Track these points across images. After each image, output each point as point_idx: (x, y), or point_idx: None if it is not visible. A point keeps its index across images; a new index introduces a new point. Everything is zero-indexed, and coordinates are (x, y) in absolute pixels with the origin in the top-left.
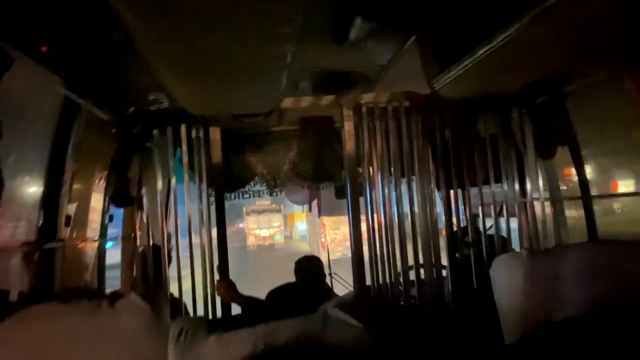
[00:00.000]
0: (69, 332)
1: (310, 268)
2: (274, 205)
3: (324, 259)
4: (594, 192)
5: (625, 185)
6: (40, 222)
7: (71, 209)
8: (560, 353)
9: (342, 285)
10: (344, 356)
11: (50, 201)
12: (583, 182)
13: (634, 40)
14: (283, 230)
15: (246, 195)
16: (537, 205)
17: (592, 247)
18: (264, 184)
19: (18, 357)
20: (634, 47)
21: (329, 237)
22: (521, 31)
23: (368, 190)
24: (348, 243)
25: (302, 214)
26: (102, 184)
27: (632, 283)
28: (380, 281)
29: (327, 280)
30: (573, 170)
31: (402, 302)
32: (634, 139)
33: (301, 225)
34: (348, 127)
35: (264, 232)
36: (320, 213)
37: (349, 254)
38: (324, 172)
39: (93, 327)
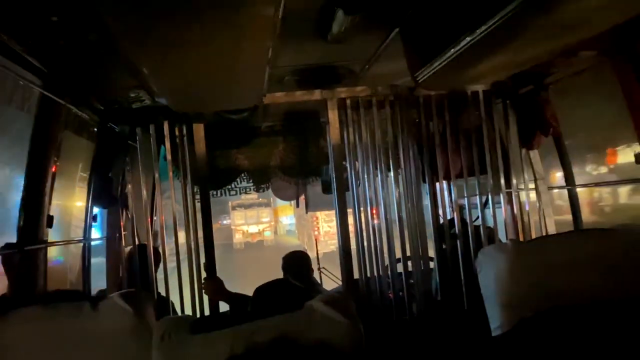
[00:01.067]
0: (50, 336)
1: (297, 263)
2: (262, 199)
3: (316, 253)
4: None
5: None
6: (21, 224)
7: (53, 209)
8: (546, 344)
9: (331, 279)
10: (328, 354)
11: (30, 202)
12: (568, 172)
13: (616, 29)
14: (273, 226)
15: (232, 192)
16: (523, 196)
17: (577, 237)
18: (251, 181)
19: None
20: (616, 35)
21: (322, 229)
22: (503, 22)
23: (354, 184)
24: None
25: (289, 207)
26: (85, 183)
27: (616, 272)
28: (369, 274)
29: (316, 274)
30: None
31: (390, 295)
32: None
33: (286, 219)
34: (333, 121)
35: (253, 229)
36: (307, 209)
37: None
38: (311, 167)
39: (75, 330)
